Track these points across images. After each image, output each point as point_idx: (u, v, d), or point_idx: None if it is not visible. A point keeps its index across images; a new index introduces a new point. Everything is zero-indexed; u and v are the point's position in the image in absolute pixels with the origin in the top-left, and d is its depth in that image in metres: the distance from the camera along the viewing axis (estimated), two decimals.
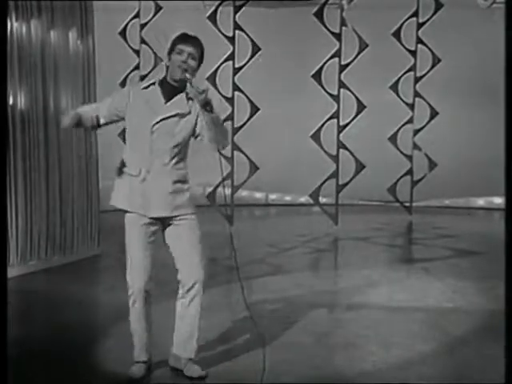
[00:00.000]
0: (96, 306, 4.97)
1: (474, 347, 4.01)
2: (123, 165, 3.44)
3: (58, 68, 6.00)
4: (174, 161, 3.41)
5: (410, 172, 8.85)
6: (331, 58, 8.10)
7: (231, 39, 7.98)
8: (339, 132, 8.15)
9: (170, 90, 3.42)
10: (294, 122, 9.49)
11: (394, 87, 8.71)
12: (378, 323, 4.43)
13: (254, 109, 8.03)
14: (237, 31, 7.99)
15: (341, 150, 8.14)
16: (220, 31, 7.95)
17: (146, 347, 3.56)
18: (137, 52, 8.97)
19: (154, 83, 3.46)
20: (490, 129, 9.22)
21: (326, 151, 8.12)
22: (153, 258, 3.46)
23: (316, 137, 8.07)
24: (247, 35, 8.00)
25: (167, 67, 3.46)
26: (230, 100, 8.01)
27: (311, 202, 8.49)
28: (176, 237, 3.45)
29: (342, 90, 8.12)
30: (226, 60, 8.00)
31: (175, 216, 3.44)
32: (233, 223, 8.06)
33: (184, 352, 3.54)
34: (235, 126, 8.04)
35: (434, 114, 8.71)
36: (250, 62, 8.05)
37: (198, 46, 3.41)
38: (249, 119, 8.07)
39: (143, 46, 8.91)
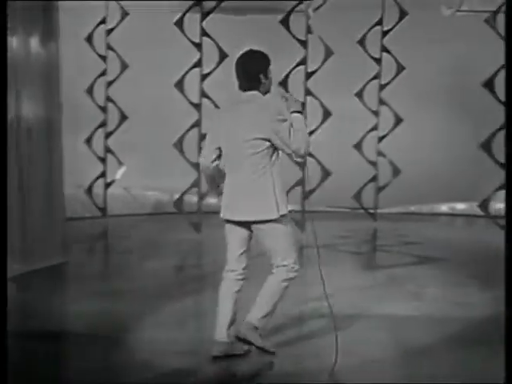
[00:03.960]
0: (58, 315, 4.91)
1: (438, 355, 4.03)
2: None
3: (18, 76, 5.89)
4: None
5: (374, 179, 8.96)
6: (297, 65, 8.16)
7: (198, 46, 7.99)
8: None
9: None
10: None
11: (360, 94, 8.81)
12: (339, 331, 4.41)
13: None
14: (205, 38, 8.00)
15: (307, 157, 8.18)
16: (187, 37, 7.96)
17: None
18: (103, 58, 8.92)
19: None
20: (453, 135, 9.41)
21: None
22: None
23: None
24: (214, 42, 8.00)
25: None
26: (197, 107, 8.02)
27: None
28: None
29: (308, 97, 8.18)
30: (193, 66, 8.01)
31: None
32: (200, 230, 8.06)
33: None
34: (201, 132, 8.05)
35: (398, 121, 8.83)
36: (218, 68, 8.05)
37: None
38: None
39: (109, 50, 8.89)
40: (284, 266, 3.86)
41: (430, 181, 9.15)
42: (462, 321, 4.70)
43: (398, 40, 8.69)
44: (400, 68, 8.71)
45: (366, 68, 8.83)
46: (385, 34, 8.80)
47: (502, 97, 7.67)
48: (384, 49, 8.79)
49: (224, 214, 3.89)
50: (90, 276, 6.07)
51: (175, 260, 6.95)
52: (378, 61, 8.82)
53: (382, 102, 8.86)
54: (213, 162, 3.90)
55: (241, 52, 3.94)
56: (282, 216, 3.79)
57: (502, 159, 7.70)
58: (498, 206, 8.27)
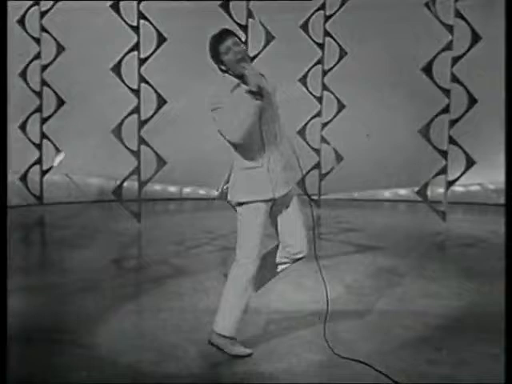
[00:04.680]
0: None
1: (374, 353, 3.85)
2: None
3: None
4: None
5: (318, 165, 8.88)
6: None
7: (135, 29, 7.74)
8: None
9: None
10: (204, 115, 9.33)
11: (303, 80, 8.70)
12: (268, 329, 4.23)
13: (162, 101, 7.83)
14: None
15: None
16: (124, 20, 7.70)
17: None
18: (37, 40, 8.60)
19: None
20: (395, 122, 9.39)
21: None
22: None
23: None
24: (152, 25, 7.76)
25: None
26: (136, 92, 7.79)
27: None
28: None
29: None
30: (130, 50, 7.76)
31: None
32: (140, 220, 7.87)
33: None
34: (142, 118, 7.83)
35: (341, 107, 8.75)
36: (156, 52, 7.82)
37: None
38: (156, 112, 7.86)
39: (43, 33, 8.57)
40: (238, 259, 3.69)
41: (373, 167, 9.14)
42: (399, 316, 4.58)
43: (340, 24, 8.60)
44: (343, 53, 8.62)
45: (310, 53, 8.72)
46: (327, 18, 8.70)
47: (441, 82, 7.68)
48: (327, 33, 8.69)
49: None
50: (18, 269, 5.79)
51: (112, 250, 6.75)
52: (321, 46, 8.72)
53: (325, 87, 8.77)
54: None
55: None
56: (239, 204, 3.69)
57: (441, 145, 7.77)
58: (437, 191, 8.35)
